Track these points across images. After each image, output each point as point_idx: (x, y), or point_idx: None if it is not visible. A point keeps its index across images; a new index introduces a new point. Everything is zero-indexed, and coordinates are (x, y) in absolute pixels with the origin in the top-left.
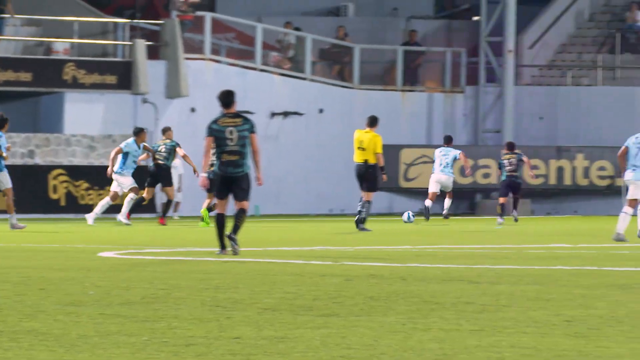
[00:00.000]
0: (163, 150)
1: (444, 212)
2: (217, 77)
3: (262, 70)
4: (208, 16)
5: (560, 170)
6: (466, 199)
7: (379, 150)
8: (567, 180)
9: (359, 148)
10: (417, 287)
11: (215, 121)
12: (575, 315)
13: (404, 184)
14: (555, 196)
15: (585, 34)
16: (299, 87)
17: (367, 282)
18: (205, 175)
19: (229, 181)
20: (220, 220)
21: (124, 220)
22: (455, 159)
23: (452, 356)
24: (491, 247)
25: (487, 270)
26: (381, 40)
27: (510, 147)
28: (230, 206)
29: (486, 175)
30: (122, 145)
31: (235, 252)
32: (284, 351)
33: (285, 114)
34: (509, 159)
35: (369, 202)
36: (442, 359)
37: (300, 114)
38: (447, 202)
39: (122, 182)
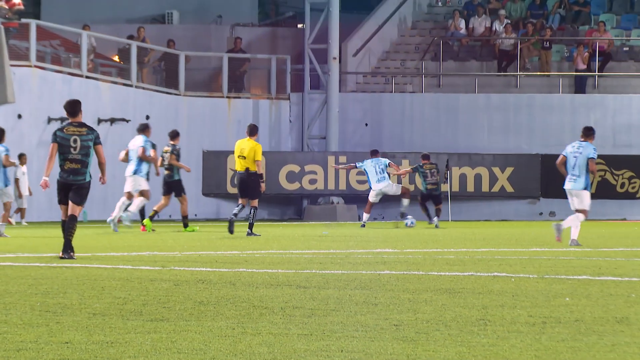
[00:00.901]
0: None
1: (402, 210)
2: (42, 84)
3: (87, 77)
4: (33, 23)
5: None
6: (293, 205)
7: (259, 157)
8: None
9: (239, 157)
10: (245, 291)
11: (61, 129)
12: (403, 320)
13: (231, 189)
14: (381, 202)
15: (409, 41)
16: (125, 94)
17: (196, 287)
18: (46, 178)
19: (68, 188)
20: (64, 226)
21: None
22: (387, 166)
23: None
24: (318, 252)
25: (314, 275)
26: (206, 47)
27: (427, 157)
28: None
29: (313, 181)
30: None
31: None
32: (114, 356)
33: (112, 120)
34: (430, 169)
35: (255, 207)
36: None
37: (127, 121)
38: (405, 201)
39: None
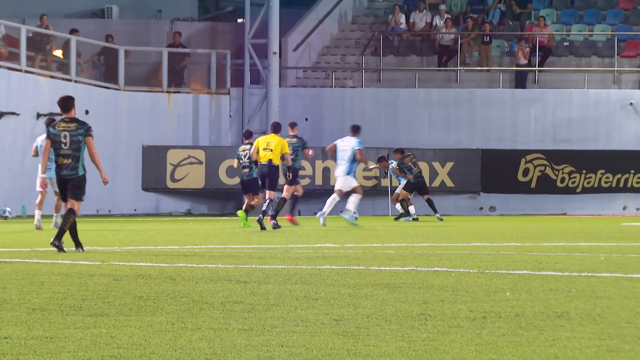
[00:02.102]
0: None
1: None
2: None
3: (27, 72)
4: None
5: (326, 170)
6: (233, 199)
7: (286, 150)
8: (333, 181)
9: (265, 149)
10: (185, 286)
11: (54, 125)
12: (344, 315)
13: (170, 184)
14: (322, 197)
15: (349, 36)
16: (64, 88)
17: (135, 282)
18: (43, 176)
19: (64, 184)
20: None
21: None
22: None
23: (221, 355)
24: (258, 247)
25: (255, 270)
26: (146, 42)
27: (400, 151)
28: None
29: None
30: None
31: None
32: (53, 351)
33: (51, 115)
34: (411, 159)
35: (271, 199)
36: (212, 358)
37: None
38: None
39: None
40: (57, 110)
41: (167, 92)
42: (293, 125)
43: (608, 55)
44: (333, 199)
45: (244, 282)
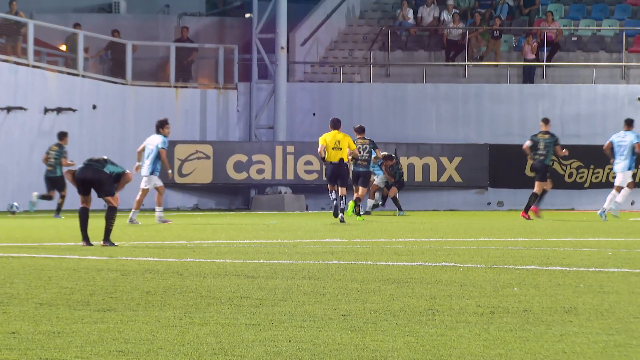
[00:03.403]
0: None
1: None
2: None
3: (34, 67)
4: None
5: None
6: (241, 194)
7: (353, 147)
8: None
9: (334, 148)
10: (193, 281)
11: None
12: (351, 310)
13: (178, 179)
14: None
15: (357, 31)
16: (72, 83)
17: (143, 277)
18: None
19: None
20: (83, 214)
21: None
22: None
23: (229, 350)
24: (266, 242)
25: (262, 265)
26: (153, 37)
27: (391, 158)
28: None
29: (260, 171)
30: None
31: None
32: (61, 346)
33: (59, 110)
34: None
35: (345, 195)
36: (220, 353)
37: (74, 110)
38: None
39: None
40: (64, 105)
41: (175, 87)
42: (547, 121)
43: (616, 50)
44: (613, 194)
45: (252, 277)
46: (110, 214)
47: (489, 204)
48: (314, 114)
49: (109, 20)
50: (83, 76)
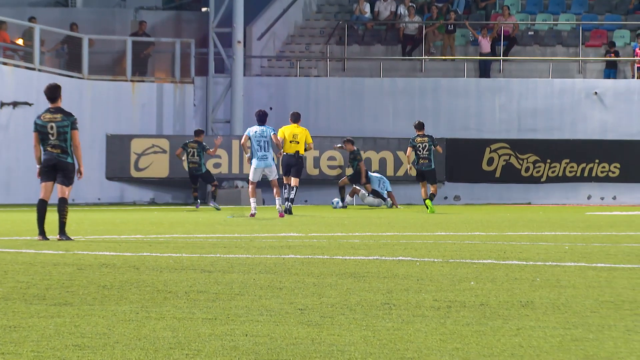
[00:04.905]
0: None
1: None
2: None
3: None
4: None
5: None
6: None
7: (310, 141)
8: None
9: (292, 141)
10: (149, 276)
11: (39, 116)
12: (308, 304)
13: (135, 173)
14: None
15: (313, 25)
16: (28, 77)
17: (99, 271)
18: (39, 167)
19: (53, 166)
20: (41, 207)
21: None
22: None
23: (185, 344)
24: (223, 237)
25: (219, 259)
26: (110, 31)
27: (421, 127)
28: None
29: (217, 165)
30: None
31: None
32: (17, 340)
33: (15, 104)
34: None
35: (297, 186)
36: (176, 347)
37: (30, 104)
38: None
39: None
40: (21, 99)
41: (132, 81)
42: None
43: (573, 44)
44: None
45: (208, 271)
46: (63, 206)
47: (446, 198)
48: (270, 108)
49: (65, 14)
50: (40, 70)
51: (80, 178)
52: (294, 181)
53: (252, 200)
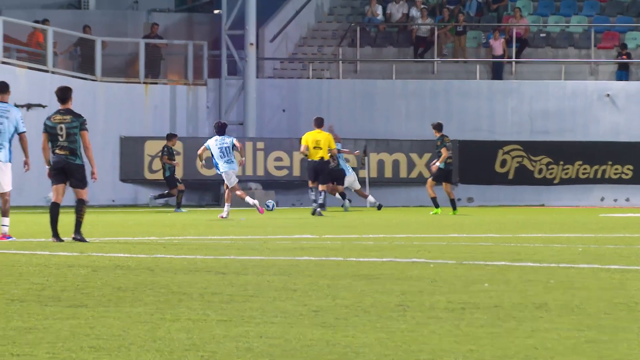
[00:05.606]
0: None
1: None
2: None
3: (3, 63)
4: None
5: (303, 161)
6: (211, 191)
7: (334, 146)
8: None
9: (315, 147)
10: (164, 277)
11: (49, 117)
12: (322, 306)
13: (148, 175)
14: (299, 188)
15: (326, 27)
16: (41, 79)
17: (114, 273)
18: (47, 167)
19: (62, 169)
20: (54, 209)
21: None
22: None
23: (200, 346)
24: (237, 238)
25: (233, 261)
26: (122, 33)
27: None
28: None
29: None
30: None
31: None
32: (32, 342)
33: (29, 106)
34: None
35: (325, 191)
36: (191, 349)
37: (44, 106)
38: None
39: None
40: (34, 101)
41: (145, 83)
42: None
43: (585, 46)
44: None
45: (223, 273)
46: (80, 206)
47: (459, 200)
48: (283, 110)
49: (77, 16)
50: (53, 72)
51: (94, 180)
52: (321, 187)
53: (227, 204)
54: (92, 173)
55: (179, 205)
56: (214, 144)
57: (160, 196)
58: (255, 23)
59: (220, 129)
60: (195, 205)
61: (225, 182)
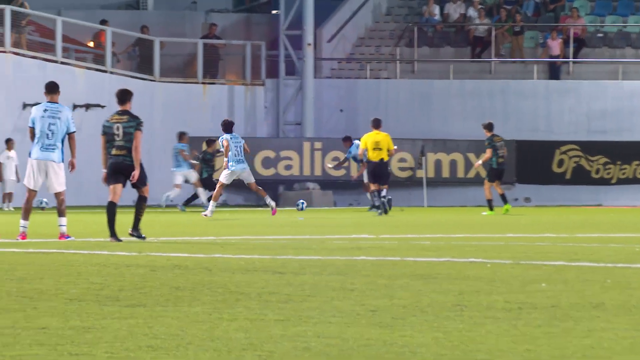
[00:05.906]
0: None
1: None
2: (17, 70)
3: (62, 63)
4: (8, 9)
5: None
6: (269, 191)
7: (392, 147)
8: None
9: (375, 149)
10: (221, 277)
11: (107, 119)
12: (379, 305)
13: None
14: (357, 187)
15: (383, 27)
16: (100, 79)
17: (172, 273)
18: (104, 171)
19: (119, 169)
20: (111, 209)
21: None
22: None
23: (258, 345)
24: (294, 238)
25: (290, 261)
26: (180, 33)
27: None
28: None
29: (288, 167)
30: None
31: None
32: (91, 341)
33: (87, 106)
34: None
35: (386, 189)
36: (249, 349)
37: (102, 107)
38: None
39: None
40: (93, 101)
41: (203, 83)
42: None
43: None
44: None
45: (280, 273)
46: (141, 204)
47: (516, 199)
48: (341, 110)
49: (135, 16)
50: (111, 72)
51: (132, 181)
52: (383, 187)
53: (212, 203)
54: (133, 175)
55: (187, 203)
56: (231, 142)
57: (192, 199)
58: (312, 23)
59: (228, 127)
60: (253, 205)
61: (222, 180)
